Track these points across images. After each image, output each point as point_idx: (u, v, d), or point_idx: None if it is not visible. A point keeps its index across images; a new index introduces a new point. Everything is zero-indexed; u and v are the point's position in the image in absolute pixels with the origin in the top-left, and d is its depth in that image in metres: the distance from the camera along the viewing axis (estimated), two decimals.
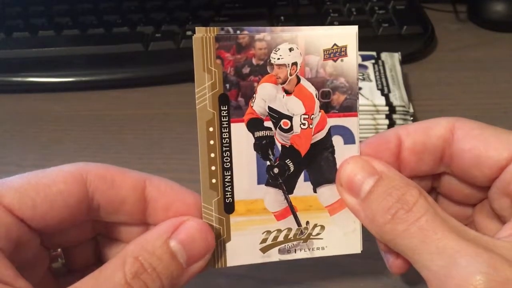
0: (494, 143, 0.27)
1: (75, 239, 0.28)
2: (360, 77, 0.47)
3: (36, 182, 0.25)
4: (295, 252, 0.29)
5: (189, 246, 0.25)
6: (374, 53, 0.51)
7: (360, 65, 0.49)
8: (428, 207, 0.25)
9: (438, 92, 0.52)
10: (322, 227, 0.29)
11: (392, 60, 0.51)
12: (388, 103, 0.45)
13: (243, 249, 0.28)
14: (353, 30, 0.27)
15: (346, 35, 0.27)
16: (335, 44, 0.27)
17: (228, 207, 0.28)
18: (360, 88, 0.46)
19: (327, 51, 0.27)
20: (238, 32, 0.26)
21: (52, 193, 0.25)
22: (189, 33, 0.56)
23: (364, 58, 0.50)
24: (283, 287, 0.35)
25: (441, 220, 0.25)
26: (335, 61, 0.27)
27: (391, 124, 0.45)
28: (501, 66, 0.56)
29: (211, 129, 0.27)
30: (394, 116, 0.45)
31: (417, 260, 0.25)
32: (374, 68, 0.49)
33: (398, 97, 0.46)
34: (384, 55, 0.51)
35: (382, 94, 0.46)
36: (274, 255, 0.29)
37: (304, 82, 0.27)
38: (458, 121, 0.28)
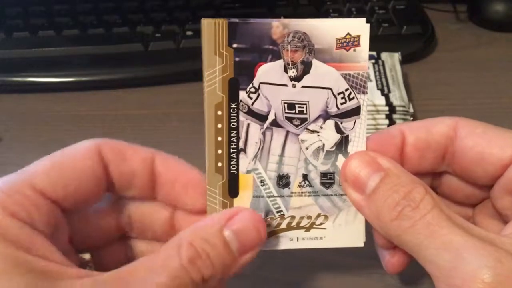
0: (497, 141, 0.27)
1: (101, 236, 0.29)
2: None
3: (60, 161, 0.26)
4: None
5: (242, 237, 0.25)
6: (374, 53, 0.51)
7: None
8: (434, 204, 0.25)
9: (438, 92, 0.52)
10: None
11: (392, 60, 0.51)
12: (388, 103, 0.45)
13: None
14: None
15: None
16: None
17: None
18: None
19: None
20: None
21: (78, 170, 0.26)
22: (189, 33, 0.56)
23: None
24: (283, 287, 0.35)
25: (447, 217, 0.25)
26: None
27: (391, 124, 0.45)
28: (501, 66, 0.56)
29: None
30: (394, 116, 0.45)
31: (423, 256, 0.25)
32: (374, 68, 0.49)
33: (398, 97, 0.46)
34: (384, 55, 0.51)
35: (382, 94, 0.46)
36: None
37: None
38: (462, 120, 0.28)
